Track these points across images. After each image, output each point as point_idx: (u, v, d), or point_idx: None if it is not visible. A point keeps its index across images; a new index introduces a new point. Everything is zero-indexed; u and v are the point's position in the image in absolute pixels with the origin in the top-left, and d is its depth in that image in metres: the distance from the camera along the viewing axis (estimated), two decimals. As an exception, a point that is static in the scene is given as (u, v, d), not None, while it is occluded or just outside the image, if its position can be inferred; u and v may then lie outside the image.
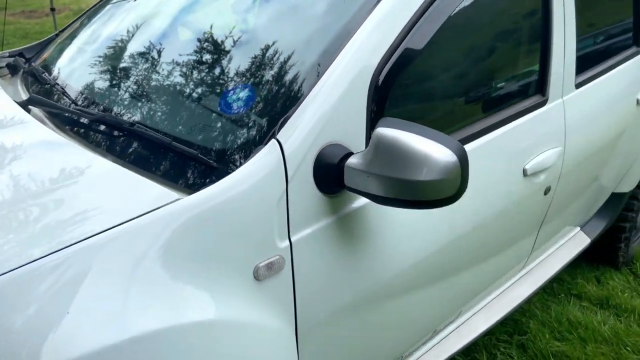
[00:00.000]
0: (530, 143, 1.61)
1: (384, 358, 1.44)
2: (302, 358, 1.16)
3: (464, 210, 1.45)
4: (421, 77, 1.32)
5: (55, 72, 1.60)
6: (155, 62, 1.40)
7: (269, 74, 1.20)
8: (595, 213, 2.46)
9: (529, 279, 2.09)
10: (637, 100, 2.19)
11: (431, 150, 0.98)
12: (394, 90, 1.24)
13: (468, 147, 1.43)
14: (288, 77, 1.17)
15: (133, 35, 1.54)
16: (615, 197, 2.45)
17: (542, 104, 1.66)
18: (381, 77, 1.20)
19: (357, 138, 1.16)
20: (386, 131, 1.01)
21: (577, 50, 1.79)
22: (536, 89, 1.67)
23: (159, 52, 1.42)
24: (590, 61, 1.92)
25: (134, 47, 1.49)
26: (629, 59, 2.15)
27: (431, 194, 0.99)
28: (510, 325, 2.38)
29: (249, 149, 1.06)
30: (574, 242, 2.35)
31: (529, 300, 2.52)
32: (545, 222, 1.90)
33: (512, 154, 1.56)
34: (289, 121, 1.07)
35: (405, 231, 1.28)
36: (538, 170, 1.63)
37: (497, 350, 2.24)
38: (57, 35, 1.99)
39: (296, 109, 1.09)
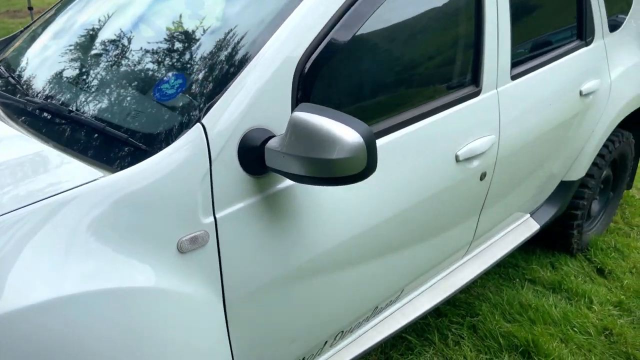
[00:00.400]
0: (463, 131, 1.72)
1: (320, 333, 1.54)
2: (232, 327, 1.26)
3: (396, 191, 1.55)
4: (350, 67, 1.42)
5: (11, 66, 1.70)
6: (91, 51, 1.51)
7: (197, 62, 1.29)
8: (545, 200, 2.57)
9: (475, 262, 2.19)
10: (581, 92, 2.29)
11: (340, 132, 1.08)
12: (322, 79, 1.34)
13: (399, 133, 1.53)
14: (215, 64, 1.26)
15: (78, 28, 1.63)
16: (564, 185, 2.57)
17: (475, 94, 1.77)
18: (307, 67, 1.29)
19: (282, 123, 1.25)
20: (301, 115, 1.11)
21: (514, 42, 1.89)
22: (470, 79, 1.78)
23: (94, 41, 1.53)
24: (528, 54, 2.03)
25: (74, 39, 1.59)
26: (572, 52, 2.26)
27: (341, 171, 1.09)
28: (464, 308, 2.49)
29: (175, 132, 1.16)
30: (523, 228, 2.46)
31: (477, 283, 2.64)
32: (485, 207, 2.00)
33: (445, 140, 1.67)
34: (214, 107, 1.17)
35: (331, 211, 1.38)
36: (471, 156, 1.74)
37: (449, 332, 2.35)
38: (21, 32, 2.08)
39: (221, 95, 1.18)
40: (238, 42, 1.29)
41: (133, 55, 1.42)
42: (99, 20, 1.61)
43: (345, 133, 1.07)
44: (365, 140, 1.08)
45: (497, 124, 1.85)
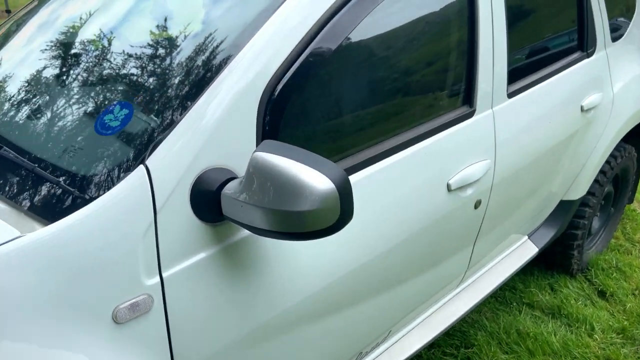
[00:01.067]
0: (454, 157, 1.55)
1: None
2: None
3: (379, 229, 1.38)
4: (327, 91, 1.24)
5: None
6: (25, 69, 1.32)
7: (145, 88, 1.11)
8: (544, 221, 2.41)
9: (469, 293, 2.03)
10: (582, 107, 2.13)
11: (309, 178, 0.90)
12: (293, 106, 1.17)
13: (383, 163, 1.36)
14: (166, 92, 1.09)
15: (15, 53, 1.44)
16: (564, 205, 2.41)
17: (468, 115, 1.60)
18: (276, 92, 1.12)
19: (246, 161, 1.08)
20: (263, 156, 0.93)
21: (510, 57, 1.72)
22: (463, 99, 1.61)
23: (29, 58, 1.34)
24: (525, 69, 1.86)
25: (9, 66, 1.40)
26: (573, 65, 2.09)
27: (310, 225, 0.92)
28: (458, 338, 2.32)
29: (113, 177, 0.98)
30: (521, 251, 2.30)
31: (476, 311, 2.48)
32: (480, 235, 1.84)
33: (435, 168, 1.50)
34: (161, 145, 0.99)
35: (304, 258, 1.20)
36: (464, 184, 1.57)
37: (442, 365, 2.18)
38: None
39: (171, 130, 1.01)
40: (194, 67, 1.11)
41: (75, 78, 1.24)
42: (40, 33, 1.43)
43: (314, 179, 0.90)
44: (338, 186, 0.91)
45: (493, 147, 1.68)
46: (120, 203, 0.93)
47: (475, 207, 1.69)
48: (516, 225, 2.13)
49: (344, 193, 0.92)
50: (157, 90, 1.11)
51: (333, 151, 1.28)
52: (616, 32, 2.40)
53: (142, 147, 1.00)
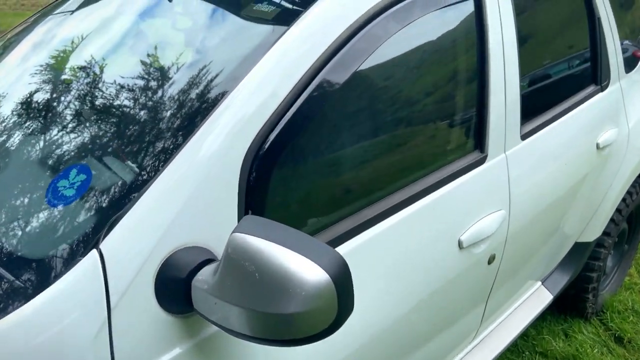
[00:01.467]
0: (466, 210, 1.38)
1: None
2: None
3: (385, 298, 1.20)
4: (324, 145, 1.08)
5: None
6: None
7: (107, 147, 0.94)
8: (558, 265, 2.23)
9: (481, 351, 1.84)
10: (597, 145, 1.97)
11: (296, 267, 0.73)
12: (283, 166, 0.99)
13: (386, 224, 1.18)
14: (130, 158, 0.91)
15: None
16: (579, 247, 2.23)
17: (480, 161, 1.43)
18: (262, 152, 0.95)
19: (227, 235, 0.90)
20: (240, 239, 0.76)
21: (522, 95, 1.57)
22: (474, 145, 1.44)
23: None
24: (539, 106, 1.70)
25: None
26: (587, 100, 1.94)
27: (297, 331, 0.74)
28: (467, 395, 2.12)
29: (57, 266, 0.80)
30: (534, 300, 2.11)
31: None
32: (494, 290, 1.66)
33: (444, 224, 1.32)
34: (121, 222, 0.81)
35: (295, 348, 1.02)
36: (476, 240, 1.39)
37: None
38: None
39: (132, 204, 0.83)
40: (166, 124, 0.94)
41: (30, 135, 1.06)
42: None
43: (305, 270, 0.72)
44: (334, 277, 0.74)
45: (507, 196, 1.51)
46: (66, 301, 0.75)
47: (489, 262, 1.51)
48: (530, 273, 1.95)
49: (342, 285, 0.74)
50: (122, 151, 0.94)
51: (332, 212, 1.10)
52: (628, 61, 2.26)
53: (96, 226, 0.83)
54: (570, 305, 2.52)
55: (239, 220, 0.91)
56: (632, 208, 2.49)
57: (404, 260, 1.23)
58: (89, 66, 1.18)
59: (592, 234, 2.22)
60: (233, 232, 0.76)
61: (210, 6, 1.25)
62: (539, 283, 2.17)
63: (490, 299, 1.67)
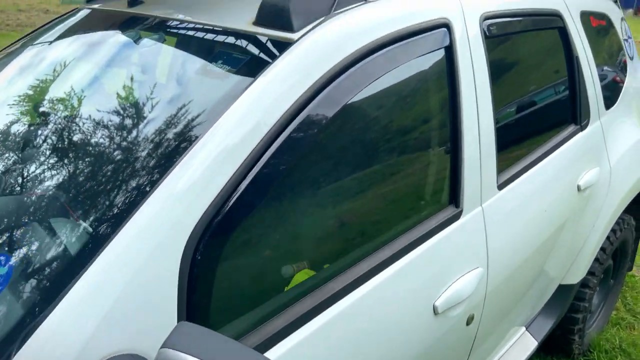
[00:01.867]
0: (440, 271, 1.29)
1: None
2: None
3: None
4: (282, 216, 0.99)
5: None
6: None
7: (25, 236, 0.84)
8: (542, 309, 2.15)
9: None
10: (579, 187, 1.91)
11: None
12: (235, 245, 0.90)
13: (358, 293, 1.09)
14: (46, 259, 0.82)
15: None
16: (563, 289, 2.15)
17: (455, 217, 1.35)
18: (208, 235, 0.86)
19: (163, 338, 0.80)
20: (170, 356, 0.66)
21: (498, 143, 1.50)
22: (449, 199, 1.36)
23: None
24: (516, 153, 1.63)
25: None
26: (566, 141, 1.88)
27: None
28: None
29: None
30: (519, 348, 2.02)
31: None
32: (474, 348, 1.57)
33: (417, 291, 1.24)
34: (38, 330, 0.71)
35: None
36: (453, 304, 1.31)
37: None
38: None
39: (53, 309, 0.73)
40: (98, 206, 0.85)
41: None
42: None
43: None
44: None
45: (485, 252, 1.43)
46: None
47: (467, 323, 1.42)
48: (512, 321, 1.87)
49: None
50: (30, 259, 0.84)
51: (295, 288, 1.01)
52: (608, 87, 2.20)
53: (11, 336, 0.72)
54: (556, 346, 2.44)
55: (177, 317, 0.82)
56: (617, 245, 2.43)
57: (376, 330, 1.14)
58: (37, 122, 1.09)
59: (576, 276, 2.14)
60: (162, 345, 0.67)
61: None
62: (523, 329, 2.08)
63: (471, 356, 1.58)
